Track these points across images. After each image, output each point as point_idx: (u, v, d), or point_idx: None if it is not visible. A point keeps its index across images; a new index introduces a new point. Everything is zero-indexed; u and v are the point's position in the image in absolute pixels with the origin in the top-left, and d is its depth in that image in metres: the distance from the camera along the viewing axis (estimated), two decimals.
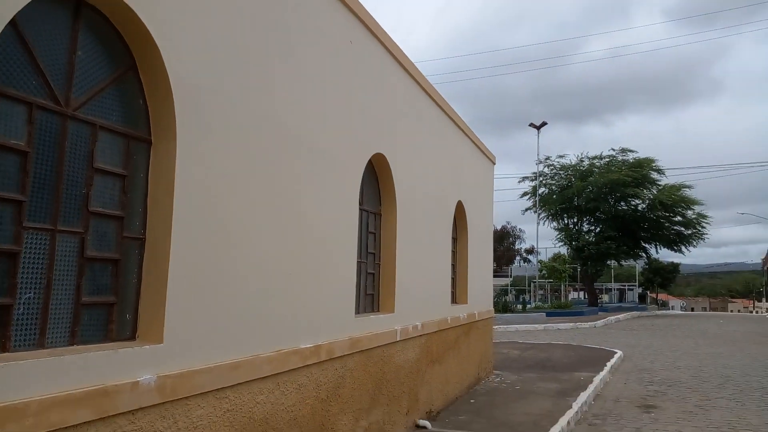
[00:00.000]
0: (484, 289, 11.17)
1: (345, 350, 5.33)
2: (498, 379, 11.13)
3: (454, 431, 7.18)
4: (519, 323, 26.48)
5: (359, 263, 5.93)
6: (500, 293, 55.60)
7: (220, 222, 3.81)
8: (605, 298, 60.71)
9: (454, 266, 9.66)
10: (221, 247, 3.81)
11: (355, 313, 5.69)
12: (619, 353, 15.15)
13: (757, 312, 56.86)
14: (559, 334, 22.87)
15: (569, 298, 52.02)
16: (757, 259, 67.72)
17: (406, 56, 6.99)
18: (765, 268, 54.54)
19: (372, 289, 6.43)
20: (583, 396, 9.31)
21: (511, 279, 71.52)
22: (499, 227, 38.39)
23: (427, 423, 7.30)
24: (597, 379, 10.91)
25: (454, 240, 9.69)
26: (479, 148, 10.79)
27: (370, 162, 6.15)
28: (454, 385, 8.93)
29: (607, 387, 10.94)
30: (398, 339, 6.59)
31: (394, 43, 6.63)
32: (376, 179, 6.46)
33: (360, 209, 5.95)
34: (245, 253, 4.05)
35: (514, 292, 58.30)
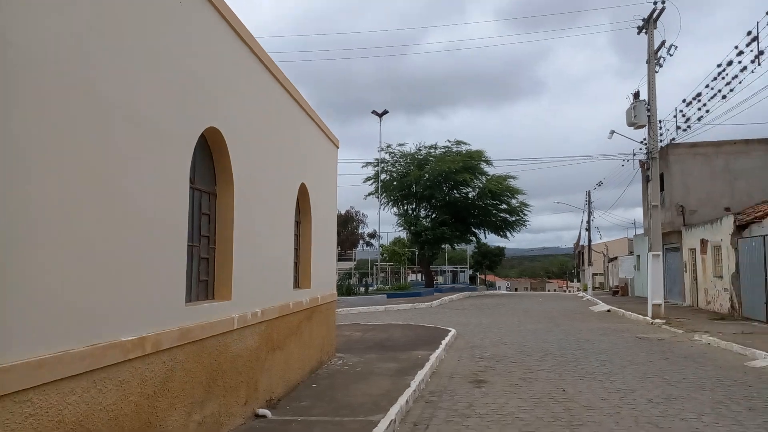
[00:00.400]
0: (327, 272, 11.08)
1: (174, 342, 4.88)
2: (340, 361, 11.14)
3: (294, 417, 6.99)
4: (362, 305, 26.97)
5: (190, 247, 5.46)
6: (345, 276, 56.43)
7: (20, 202, 3.23)
8: (440, 279, 64.23)
9: (297, 250, 9.44)
10: (21, 231, 3.23)
11: (186, 302, 5.24)
12: (453, 331, 15.96)
13: (569, 291, 63.62)
14: (399, 315, 23.62)
15: (408, 280, 54.26)
16: (570, 244, 75.70)
17: (247, 29, 6.57)
18: (576, 252, 61.08)
19: (206, 275, 5.99)
20: (421, 374, 9.60)
21: (356, 262, 72.90)
22: (343, 211, 38.75)
23: (266, 412, 7.04)
24: (433, 357, 11.34)
25: (297, 223, 9.45)
26: (323, 131, 10.62)
27: (203, 137, 5.69)
28: (296, 371, 8.75)
29: (442, 364, 11.43)
30: (236, 327, 6.23)
31: (235, 15, 6.19)
32: (211, 156, 6.00)
33: (191, 188, 5.48)
34: (54, 237, 3.49)
35: (358, 275, 59.50)
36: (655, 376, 9.86)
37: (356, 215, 39.39)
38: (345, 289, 30.25)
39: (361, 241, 43.66)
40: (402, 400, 7.74)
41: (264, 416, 6.96)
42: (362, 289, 33.39)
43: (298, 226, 9.45)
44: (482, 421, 7.18)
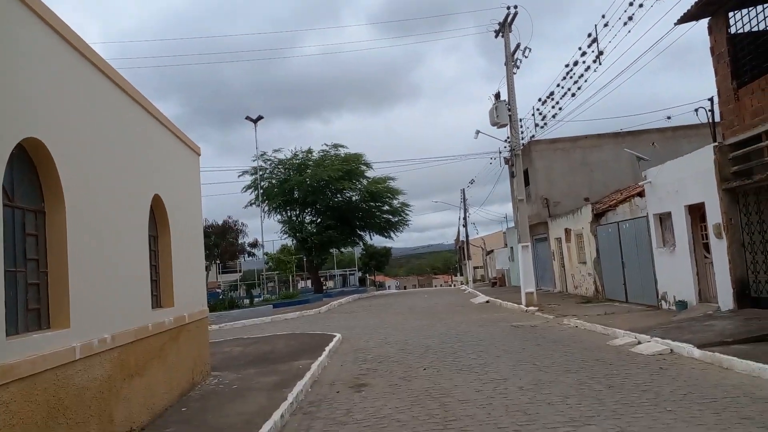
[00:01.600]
0: (194, 288, 10.48)
1: None
2: (216, 380, 10.59)
3: None
4: (247, 318, 26.07)
5: (12, 273, 4.83)
6: (230, 289, 54.69)
7: None
8: (330, 284, 64.08)
9: (156, 267, 8.81)
10: None
11: (10, 335, 4.62)
12: (338, 336, 15.79)
13: (454, 285, 65.76)
14: (285, 324, 23.09)
15: (299, 288, 53.56)
16: (452, 240, 78.38)
17: (75, 33, 5.98)
18: (457, 248, 63.32)
19: (38, 302, 5.34)
20: (299, 385, 9.32)
21: (242, 274, 70.89)
22: (220, 222, 37.35)
23: None
24: (315, 366, 11.09)
25: (155, 238, 8.83)
26: (180, 138, 10.03)
27: (23, 148, 5.06)
28: (161, 396, 8.14)
29: (325, 371, 11.21)
30: (78, 357, 5.62)
31: (58, 18, 5.60)
32: (36, 170, 5.36)
33: (7, 206, 4.84)
34: None
35: (245, 287, 57.85)
36: (527, 363, 10.25)
37: (235, 225, 38.13)
38: (227, 302, 29.18)
39: (243, 252, 42.29)
40: (276, 415, 7.42)
41: None
42: (246, 301, 32.34)
43: (155, 241, 8.83)
44: (359, 427, 7.04)
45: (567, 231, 24.74)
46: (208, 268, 63.98)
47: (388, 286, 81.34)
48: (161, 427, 7.43)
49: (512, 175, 21.92)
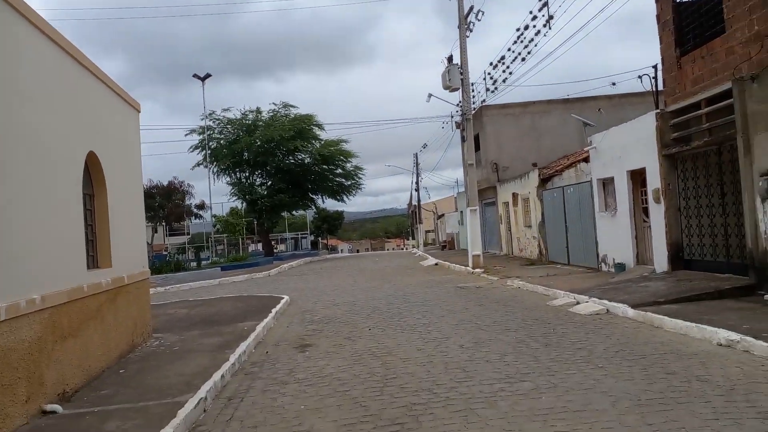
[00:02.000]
0: (134, 249, 10.18)
1: None
2: (157, 342, 10.42)
3: (90, 409, 6.33)
4: (194, 280, 25.70)
5: None
6: (178, 252, 53.72)
7: None
8: (282, 247, 63.66)
9: (92, 227, 8.50)
10: None
11: None
12: (285, 298, 15.74)
13: (406, 249, 66.46)
14: (233, 287, 22.88)
15: (249, 251, 53.00)
16: (405, 204, 78.85)
17: None
18: (409, 212, 63.77)
19: None
20: (243, 346, 9.26)
21: (190, 236, 69.64)
22: (166, 183, 36.27)
23: (56, 407, 6.29)
24: (260, 327, 11.03)
25: (91, 197, 8.50)
26: (119, 94, 9.59)
27: None
28: (98, 358, 7.95)
29: (270, 333, 11.18)
30: (3, 318, 5.40)
31: None
32: None
33: None
34: None
35: (193, 250, 56.91)
36: (468, 323, 10.46)
37: (181, 185, 37.11)
38: (174, 264, 28.67)
39: (191, 214, 41.39)
40: (217, 376, 7.36)
41: (53, 412, 6.21)
42: (194, 264, 31.83)
43: (91, 200, 8.50)
44: (300, 386, 7.06)
45: (514, 195, 25.16)
46: (155, 230, 62.67)
47: (341, 250, 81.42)
48: (97, 388, 7.28)
49: (463, 140, 22.05)
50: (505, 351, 8.01)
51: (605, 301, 10.90)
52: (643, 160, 14.34)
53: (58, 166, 7.07)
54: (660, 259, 13.82)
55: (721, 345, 7.50)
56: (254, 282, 24.62)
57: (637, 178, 15.17)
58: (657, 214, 13.89)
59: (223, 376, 7.53)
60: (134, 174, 10.41)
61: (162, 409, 6.09)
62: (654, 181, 13.90)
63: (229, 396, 6.93)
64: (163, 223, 39.11)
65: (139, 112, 10.72)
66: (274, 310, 13.31)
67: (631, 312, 9.97)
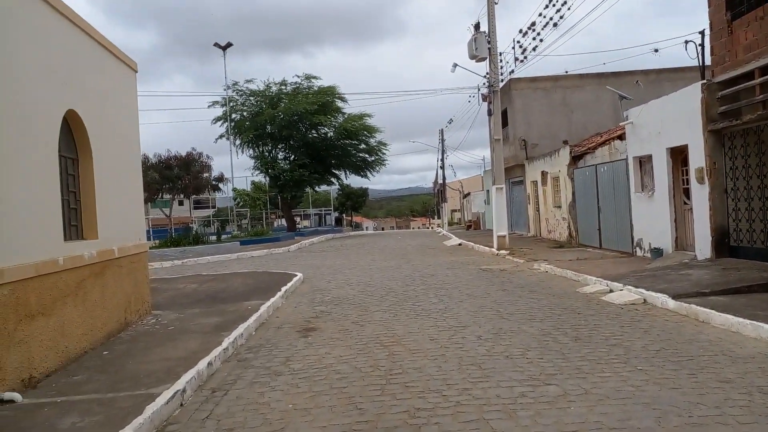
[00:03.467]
0: (128, 220, 9.44)
1: None
2: (154, 320, 9.73)
3: (52, 399, 5.60)
4: (212, 254, 25.22)
5: None
6: (203, 225, 53.60)
7: None
8: (306, 223, 63.18)
9: (75, 194, 7.75)
10: None
11: None
12: (299, 276, 15.01)
13: (430, 228, 65.42)
14: (251, 262, 22.32)
15: (275, 226, 52.58)
16: (431, 183, 77.56)
17: None
18: (435, 190, 62.50)
19: None
20: (241, 328, 8.50)
21: (215, 209, 69.61)
22: (184, 153, 35.61)
23: (15, 395, 5.58)
24: (264, 307, 10.28)
25: (74, 161, 7.73)
26: (110, 51, 8.75)
27: None
28: (78, 339, 7.25)
29: (276, 314, 10.42)
30: None
31: None
32: None
33: None
34: None
35: (218, 223, 56.84)
36: (489, 310, 9.54)
37: (199, 156, 36.40)
38: (192, 237, 28.16)
39: (209, 186, 40.68)
40: (203, 363, 6.59)
41: (12, 401, 5.50)
42: (213, 237, 31.32)
43: (75, 164, 7.74)
44: (294, 378, 6.25)
45: (543, 174, 23.94)
46: (180, 202, 62.54)
47: (366, 227, 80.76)
48: (72, 373, 6.57)
49: (490, 114, 20.84)
50: (529, 345, 7.08)
51: (642, 290, 9.86)
52: (685, 136, 13.10)
53: (28, 124, 6.27)
54: (702, 245, 12.65)
55: None
56: (272, 257, 24.02)
57: (678, 156, 13.93)
58: (700, 195, 12.68)
59: (210, 363, 6.75)
60: (130, 139, 9.62)
61: (130, 403, 5.33)
62: (697, 159, 12.67)
63: (214, 387, 6.16)
64: (181, 195, 38.55)
65: (135, 71, 9.89)
66: (284, 289, 12.56)
67: (671, 303, 8.92)
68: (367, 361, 6.71)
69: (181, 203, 65.02)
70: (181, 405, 5.60)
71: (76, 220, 7.75)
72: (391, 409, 5.09)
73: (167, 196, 38.94)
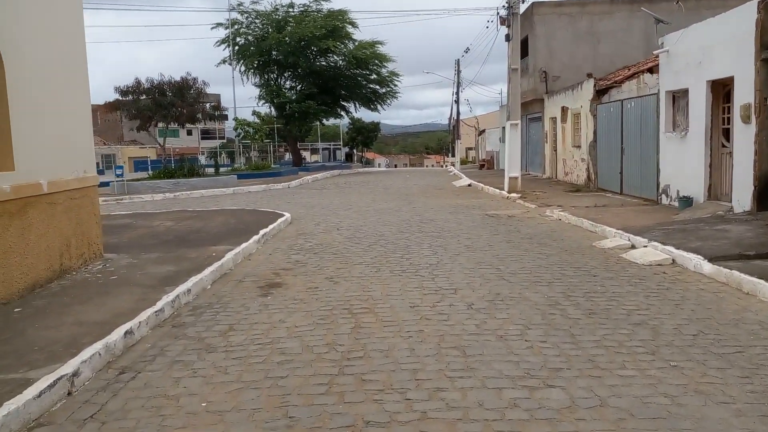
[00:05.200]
0: (67, 146, 7.96)
1: None
2: (101, 266, 8.43)
3: None
4: (207, 188, 23.96)
5: None
6: (210, 155, 52.24)
7: None
8: (317, 158, 61.45)
9: None
10: None
11: None
12: (286, 216, 13.64)
13: (444, 166, 63.47)
14: (246, 198, 21.05)
15: (285, 159, 50.99)
16: (447, 119, 74.96)
17: None
18: (450, 127, 60.17)
19: None
20: (190, 282, 7.16)
21: (224, 140, 67.99)
22: (179, 78, 33.60)
23: None
24: (231, 255, 8.94)
25: None
26: None
27: None
28: None
29: (243, 263, 9.08)
30: None
31: None
32: None
33: None
34: None
35: (225, 154, 55.43)
36: (488, 267, 8.09)
37: (194, 82, 34.34)
38: (187, 169, 26.82)
39: (205, 115, 38.72)
40: (118, 333, 5.26)
41: None
42: (211, 170, 29.94)
43: None
44: (227, 357, 4.91)
45: (564, 110, 21.96)
46: (189, 132, 60.90)
47: (378, 164, 78.95)
48: None
49: (507, 39, 18.74)
50: (531, 319, 5.64)
51: (671, 248, 8.32)
52: (731, 66, 11.19)
53: None
54: (741, 195, 10.98)
55: None
56: (269, 193, 22.71)
57: (720, 90, 12.04)
58: (744, 137, 10.91)
59: (131, 331, 5.42)
60: (67, 45, 7.98)
61: None
62: (744, 94, 10.81)
63: (125, 365, 4.85)
64: (174, 123, 36.75)
65: None
66: (262, 232, 11.20)
67: (707, 267, 7.40)
68: (324, 337, 5.33)
69: (189, 133, 63.38)
70: (69, 394, 4.29)
71: None
72: (331, 419, 3.72)
73: (161, 125, 37.22)
